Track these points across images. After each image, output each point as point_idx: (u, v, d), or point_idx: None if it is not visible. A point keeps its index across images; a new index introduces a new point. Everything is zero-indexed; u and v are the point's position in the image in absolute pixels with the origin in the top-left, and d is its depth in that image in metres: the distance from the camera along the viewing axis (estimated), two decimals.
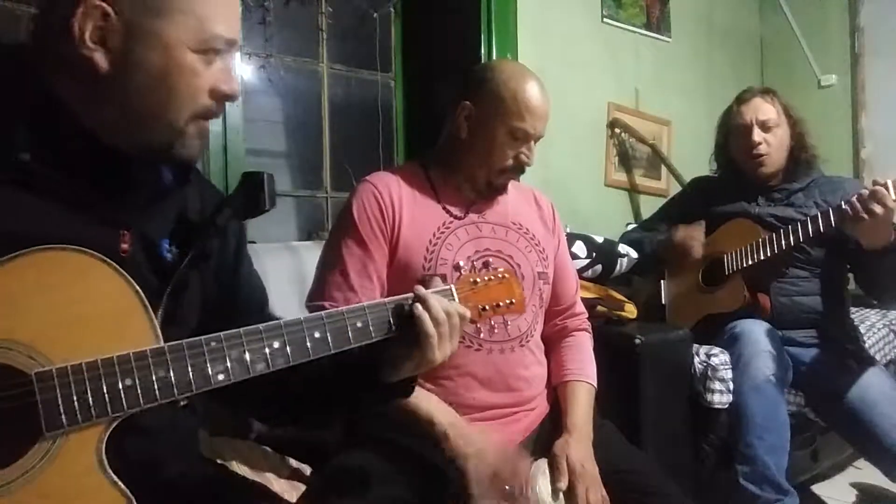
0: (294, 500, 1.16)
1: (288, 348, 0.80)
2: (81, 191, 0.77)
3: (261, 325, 0.79)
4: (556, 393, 1.42)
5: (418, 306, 0.89)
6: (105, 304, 0.72)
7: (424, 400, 1.22)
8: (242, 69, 2.12)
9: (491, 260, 1.07)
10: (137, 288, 0.74)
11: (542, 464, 1.27)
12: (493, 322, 1.32)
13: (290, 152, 2.42)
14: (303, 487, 1.26)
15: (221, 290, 0.94)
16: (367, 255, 1.30)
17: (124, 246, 0.79)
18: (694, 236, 2.05)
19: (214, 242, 0.90)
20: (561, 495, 1.23)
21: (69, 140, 0.77)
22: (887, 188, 1.67)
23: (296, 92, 2.33)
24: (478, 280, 1.01)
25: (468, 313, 0.94)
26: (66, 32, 0.74)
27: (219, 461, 1.23)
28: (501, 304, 1.03)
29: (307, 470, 1.35)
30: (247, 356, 0.78)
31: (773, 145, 1.99)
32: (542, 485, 1.24)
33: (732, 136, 2.06)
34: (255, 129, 2.23)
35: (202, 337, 0.75)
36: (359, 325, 0.87)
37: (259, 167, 2.25)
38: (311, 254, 1.83)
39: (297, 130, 2.40)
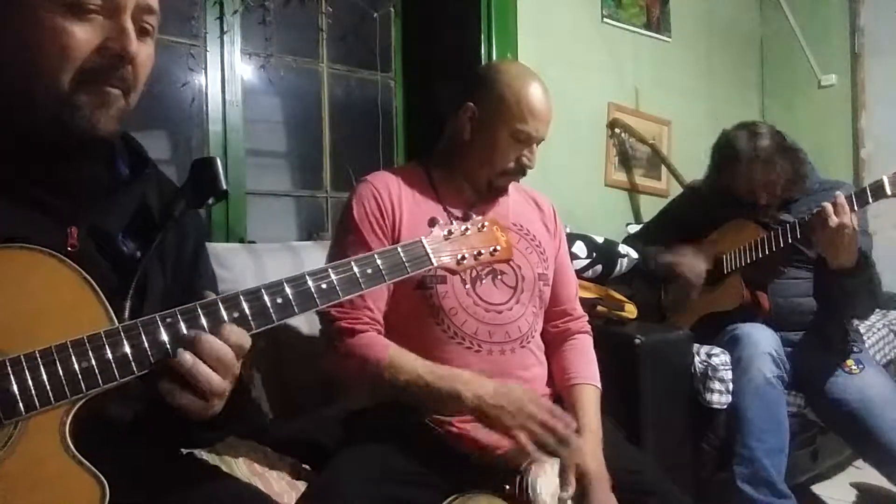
0: (294, 501, 1.16)
1: (249, 316, 0.78)
2: (24, 189, 0.76)
3: (218, 297, 0.77)
4: (563, 396, 1.40)
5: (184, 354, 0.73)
6: (57, 297, 0.72)
7: (446, 375, 1.19)
8: (242, 69, 2.12)
9: (473, 214, 1.04)
10: (88, 277, 0.73)
11: (543, 464, 1.27)
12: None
13: (290, 152, 2.42)
14: (303, 487, 1.25)
15: (181, 285, 0.92)
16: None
17: (72, 241, 0.78)
18: (697, 270, 2.04)
19: (172, 235, 0.89)
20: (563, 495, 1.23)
21: None
22: (835, 204, 1.65)
23: (296, 92, 2.33)
24: (452, 231, 0.97)
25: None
26: None
27: (217, 462, 1.23)
28: (483, 251, 0.99)
29: (307, 470, 1.35)
30: (206, 327, 0.75)
31: (777, 193, 1.98)
32: (543, 485, 1.23)
33: (735, 186, 2.00)
34: (255, 129, 2.23)
35: (156, 314, 0.74)
36: (323, 286, 0.83)
37: (259, 167, 2.26)
38: (312, 254, 1.84)
39: (297, 130, 2.40)
